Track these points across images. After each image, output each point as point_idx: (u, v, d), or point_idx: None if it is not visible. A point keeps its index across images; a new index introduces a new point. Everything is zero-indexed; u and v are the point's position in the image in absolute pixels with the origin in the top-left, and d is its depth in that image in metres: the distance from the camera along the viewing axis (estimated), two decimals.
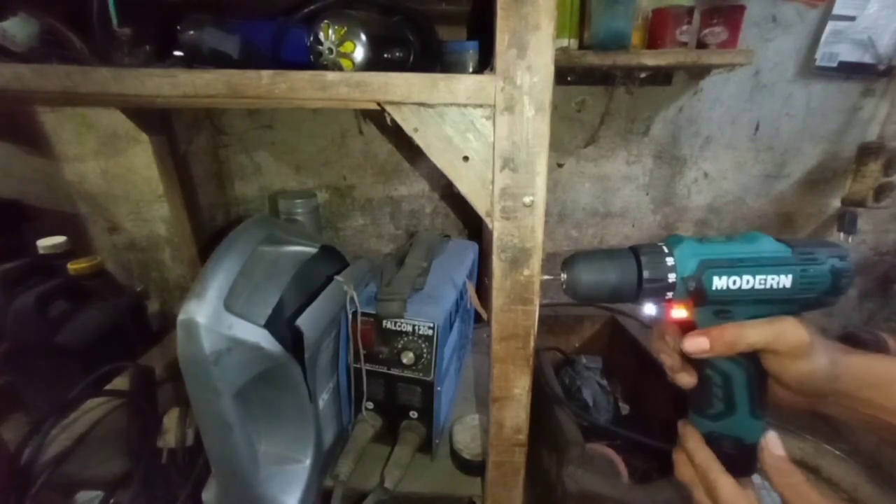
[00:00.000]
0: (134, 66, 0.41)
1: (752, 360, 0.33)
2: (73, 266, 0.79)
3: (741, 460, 0.35)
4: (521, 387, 0.46)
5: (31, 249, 0.82)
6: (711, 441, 0.35)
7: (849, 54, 0.93)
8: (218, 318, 0.42)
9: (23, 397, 0.71)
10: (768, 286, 0.32)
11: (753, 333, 0.32)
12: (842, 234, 1.04)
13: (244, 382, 0.46)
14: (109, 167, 0.98)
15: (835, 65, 0.94)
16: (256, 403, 0.52)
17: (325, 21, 0.46)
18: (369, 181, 1.04)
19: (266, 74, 0.38)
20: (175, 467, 0.60)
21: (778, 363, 0.32)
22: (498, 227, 0.40)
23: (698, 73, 0.94)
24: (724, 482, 0.32)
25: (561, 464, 0.57)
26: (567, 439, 0.58)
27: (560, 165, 1.04)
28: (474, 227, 1.07)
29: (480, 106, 0.38)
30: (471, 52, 0.64)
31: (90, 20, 0.44)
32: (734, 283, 0.32)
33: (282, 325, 0.50)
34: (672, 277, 0.33)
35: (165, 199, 0.88)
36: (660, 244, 0.35)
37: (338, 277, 0.61)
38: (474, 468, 0.61)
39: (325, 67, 0.47)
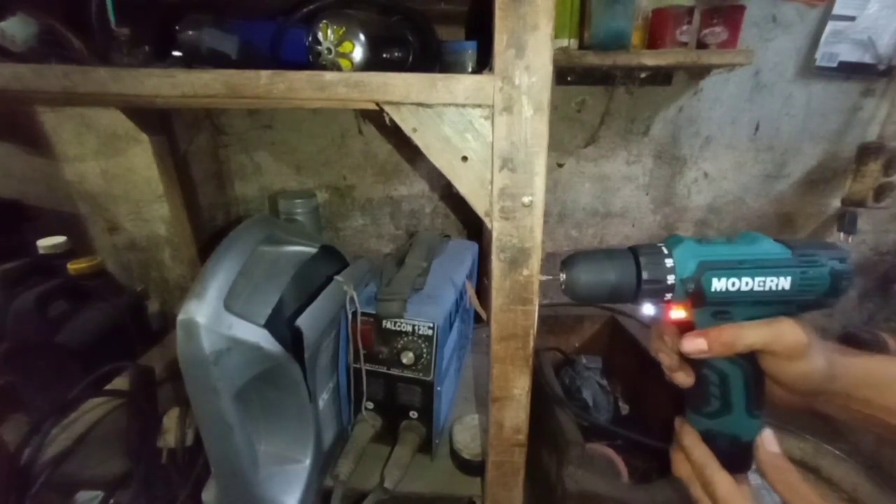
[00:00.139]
0: (133, 66, 0.41)
1: (750, 361, 0.33)
2: (73, 266, 0.79)
3: (737, 457, 0.35)
4: (520, 387, 0.46)
5: (31, 249, 0.82)
6: (708, 438, 0.35)
7: (849, 54, 0.93)
8: (218, 318, 0.42)
9: (23, 397, 0.71)
10: (767, 288, 0.32)
11: (751, 335, 0.32)
12: (842, 234, 1.04)
13: (244, 382, 0.46)
14: (109, 167, 0.98)
15: (835, 65, 0.94)
16: (256, 403, 0.52)
17: (324, 21, 0.46)
18: (369, 181, 1.05)
19: (265, 74, 0.38)
20: (175, 467, 0.60)
21: (776, 364, 0.32)
22: (497, 228, 0.40)
23: (698, 73, 0.94)
24: (721, 479, 0.33)
25: (561, 464, 0.57)
26: (567, 439, 0.58)
27: (560, 165, 1.04)
28: (474, 227, 1.07)
29: (479, 106, 0.38)
30: (469, 52, 0.64)
31: (89, 20, 0.44)
32: (733, 284, 0.32)
33: (282, 325, 0.50)
34: (671, 279, 0.33)
35: (165, 199, 0.88)
36: (659, 245, 0.35)
37: (338, 277, 0.61)
38: (474, 468, 0.61)
39: (324, 67, 0.47)
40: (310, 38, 0.47)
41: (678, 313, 0.35)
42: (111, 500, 0.58)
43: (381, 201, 1.07)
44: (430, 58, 0.60)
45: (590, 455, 0.60)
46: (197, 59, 0.46)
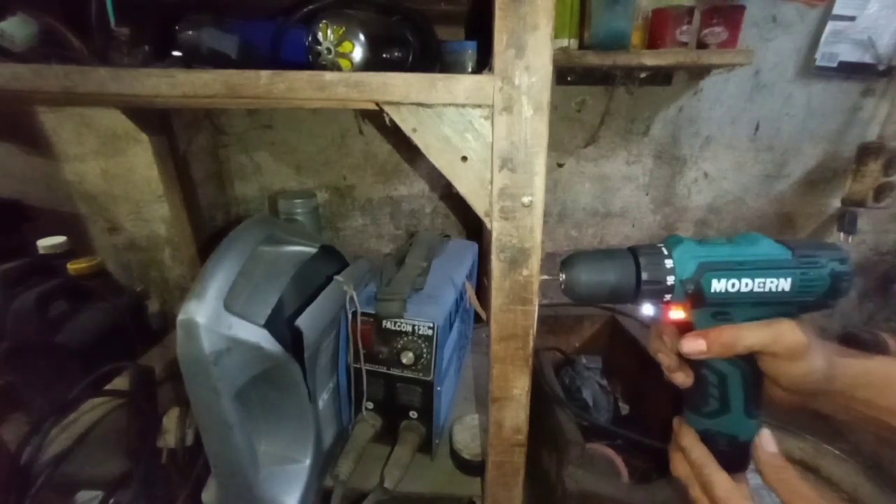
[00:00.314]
0: (132, 66, 0.41)
1: (749, 361, 0.33)
2: (73, 266, 0.79)
3: (736, 457, 0.35)
4: (520, 387, 0.46)
5: (31, 249, 0.82)
6: (707, 438, 0.35)
7: (849, 54, 0.93)
8: (218, 318, 0.42)
9: (23, 397, 0.71)
10: (767, 289, 0.32)
11: (751, 336, 0.32)
12: (842, 234, 1.04)
13: (244, 382, 0.46)
14: (109, 167, 0.98)
15: (835, 65, 0.94)
16: (256, 403, 0.52)
17: (324, 21, 0.46)
18: (369, 181, 1.05)
19: (264, 74, 0.38)
20: (175, 467, 0.60)
21: (775, 365, 0.32)
22: (497, 228, 0.40)
23: (698, 73, 0.94)
24: (719, 478, 0.33)
25: (561, 464, 0.57)
26: (567, 439, 0.58)
27: (560, 165, 1.04)
28: (474, 227, 1.07)
29: (479, 106, 0.38)
30: (469, 52, 0.64)
31: (89, 20, 0.44)
32: (733, 286, 0.32)
33: (281, 325, 0.50)
34: (671, 279, 0.33)
35: (165, 199, 0.88)
36: (659, 245, 0.35)
37: (338, 277, 0.61)
38: (474, 468, 0.61)
39: (324, 67, 0.47)
40: (310, 38, 0.47)
41: (678, 314, 0.35)
42: (111, 500, 0.58)
43: (381, 201, 1.07)
44: (430, 58, 0.60)
45: (590, 455, 0.60)
46: (197, 59, 0.46)
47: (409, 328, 0.59)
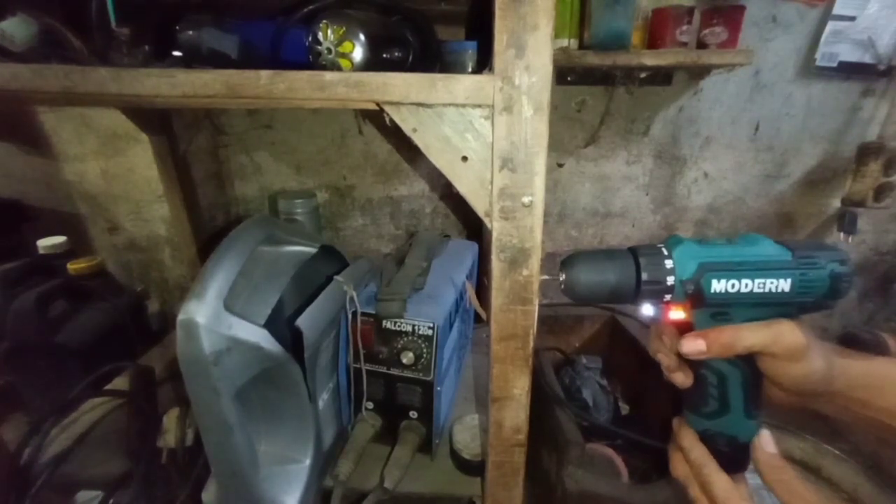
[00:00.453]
0: (132, 66, 0.41)
1: (748, 362, 0.33)
2: (73, 266, 0.79)
3: (735, 458, 0.35)
4: (520, 387, 0.46)
5: (31, 249, 0.82)
6: (706, 439, 0.35)
7: (849, 54, 0.93)
8: (218, 318, 0.42)
9: (23, 397, 0.71)
10: (767, 290, 0.32)
11: (750, 336, 0.32)
12: (842, 234, 1.04)
13: (244, 382, 0.46)
14: (109, 167, 0.98)
15: (835, 65, 0.94)
16: (256, 403, 0.52)
17: (324, 21, 0.46)
18: (369, 181, 1.05)
19: (265, 74, 0.38)
20: (175, 467, 0.60)
21: (774, 365, 0.32)
22: (497, 228, 0.40)
23: (698, 73, 0.94)
24: (719, 479, 0.33)
25: (561, 464, 0.57)
26: (567, 439, 0.58)
27: (560, 165, 1.04)
28: (474, 227, 1.07)
29: (479, 106, 0.38)
30: (470, 52, 0.64)
31: (89, 20, 0.44)
32: (733, 286, 0.32)
33: (282, 325, 0.50)
34: (671, 280, 0.33)
35: (165, 199, 0.88)
36: (659, 245, 0.34)
37: (338, 277, 0.61)
38: (474, 468, 0.61)
39: (324, 67, 0.47)
40: (310, 38, 0.47)
41: (677, 314, 0.35)
42: (111, 500, 0.58)
43: (381, 201, 1.07)
44: (430, 58, 0.60)
45: (590, 455, 0.60)
46: (197, 59, 0.46)
47: (409, 328, 0.59)
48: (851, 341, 0.82)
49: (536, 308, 0.43)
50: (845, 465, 0.63)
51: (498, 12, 0.34)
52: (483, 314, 0.47)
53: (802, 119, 1.00)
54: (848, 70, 0.94)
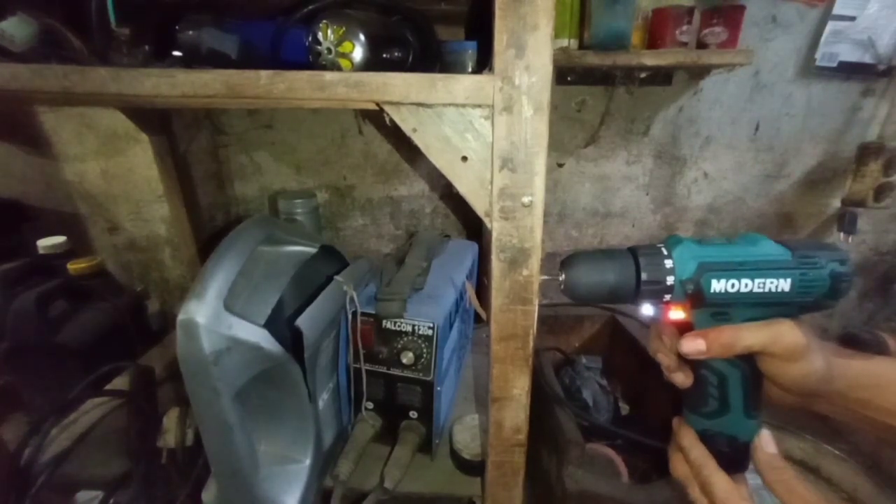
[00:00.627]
0: (132, 66, 0.41)
1: (748, 361, 0.33)
2: (73, 266, 0.79)
3: (735, 458, 0.35)
4: (520, 387, 0.46)
5: (31, 249, 0.82)
6: (706, 438, 0.35)
7: (849, 54, 0.93)
8: (218, 318, 0.42)
9: (23, 397, 0.71)
10: (767, 290, 0.32)
11: (750, 336, 0.32)
12: (842, 234, 1.04)
13: (244, 382, 0.46)
14: (109, 167, 0.98)
15: (835, 65, 0.94)
16: (256, 403, 0.52)
17: (324, 21, 0.46)
18: (369, 181, 1.05)
19: (264, 74, 0.38)
20: (175, 467, 0.60)
21: (774, 365, 0.32)
22: (497, 228, 0.40)
23: (698, 73, 0.94)
24: (719, 479, 0.33)
25: (561, 464, 0.57)
26: (567, 439, 0.58)
27: (560, 165, 1.04)
28: (474, 227, 1.07)
29: (479, 106, 0.38)
30: (470, 52, 0.64)
31: (89, 20, 0.44)
32: (733, 286, 0.32)
33: (282, 325, 0.50)
34: (670, 280, 0.33)
35: (165, 199, 0.88)
36: (659, 245, 0.34)
37: (338, 277, 0.61)
38: (474, 468, 0.61)
39: (324, 67, 0.47)
40: (310, 38, 0.47)
41: (677, 314, 0.35)
42: (111, 500, 0.58)
43: (381, 201, 1.07)
44: (430, 58, 0.60)
45: (590, 455, 0.60)
46: (197, 59, 0.46)
47: (409, 328, 0.59)
48: (851, 341, 0.82)
49: (536, 308, 0.43)
50: (845, 465, 0.63)
51: (498, 12, 0.34)
52: (483, 314, 0.47)
53: (802, 119, 1.00)
54: (848, 70, 0.94)
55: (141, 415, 0.66)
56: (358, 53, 0.46)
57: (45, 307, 0.71)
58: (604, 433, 0.68)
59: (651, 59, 0.81)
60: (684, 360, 0.36)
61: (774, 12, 0.92)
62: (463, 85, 0.37)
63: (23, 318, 0.69)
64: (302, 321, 0.51)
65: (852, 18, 0.91)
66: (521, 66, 0.36)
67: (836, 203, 1.05)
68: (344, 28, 0.46)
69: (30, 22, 0.42)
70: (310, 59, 0.48)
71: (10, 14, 0.42)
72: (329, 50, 0.46)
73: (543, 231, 0.40)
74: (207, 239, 0.92)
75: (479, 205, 0.40)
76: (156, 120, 0.81)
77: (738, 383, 0.34)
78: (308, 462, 0.55)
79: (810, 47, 0.94)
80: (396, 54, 0.53)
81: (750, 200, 1.08)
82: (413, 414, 0.63)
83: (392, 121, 0.39)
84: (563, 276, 0.35)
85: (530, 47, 0.35)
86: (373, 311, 0.60)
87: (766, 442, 0.34)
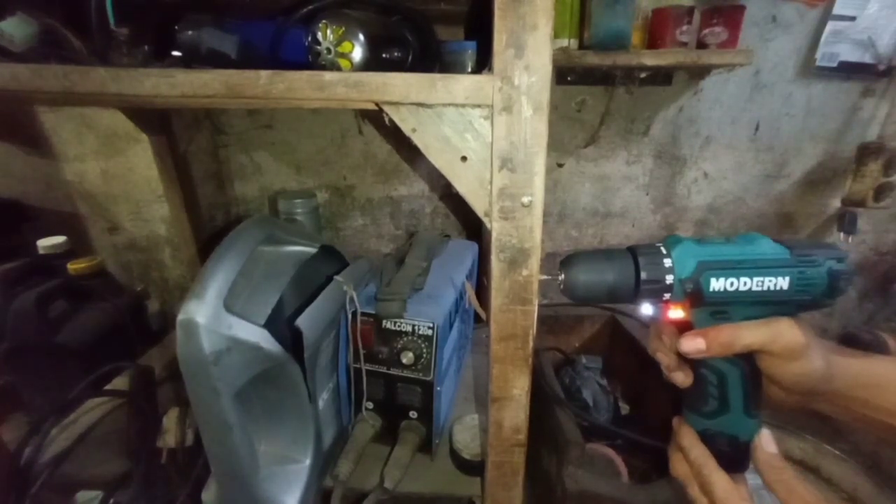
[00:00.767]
0: (132, 66, 0.41)
1: (748, 360, 0.33)
2: (73, 266, 0.79)
3: (735, 457, 0.35)
4: (520, 387, 0.46)
5: (31, 249, 0.82)
6: (706, 438, 0.35)
7: (849, 54, 0.93)
8: (217, 318, 0.42)
9: (23, 397, 0.71)
10: (766, 288, 0.32)
11: (749, 335, 0.32)
12: (842, 234, 1.04)
13: (244, 382, 0.46)
14: (109, 167, 0.98)
15: (835, 65, 0.94)
16: (256, 403, 0.52)
17: (324, 21, 0.46)
18: (369, 181, 1.05)
19: (264, 74, 0.38)
20: (175, 467, 0.60)
21: (773, 364, 0.32)
22: (496, 228, 0.40)
23: (698, 73, 0.94)
24: (719, 479, 0.33)
25: (561, 464, 0.57)
26: (567, 439, 0.58)
27: (560, 165, 1.04)
28: (474, 227, 1.07)
29: (478, 106, 0.38)
30: (469, 52, 0.64)
31: (88, 20, 0.44)
32: (732, 284, 0.32)
33: (281, 325, 0.50)
34: (670, 279, 0.33)
35: (165, 199, 0.88)
36: (658, 245, 0.35)
37: (337, 277, 0.61)
38: (474, 468, 0.61)
39: (324, 67, 0.47)
40: (309, 38, 0.47)
41: (677, 313, 0.35)
42: (111, 500, 0.58)
43: (381, 201, 1.07)
44: (430, 58, 0.60)
45: (590, 455, 0.60)
46: (196, 59, 0.46)
47: (409, 328, 0.59)
48: (851, 341, 0.82)
49: (536, 308, 0.43)
50: (845, 465, 0.63)
51: (497, 12, 0.34)
52: (483, 314, 0.47)
53: (802, 119, 1.00)
54: (848, 70, 0.94)
55: (141, 415, 0.66)
56: (357, 53, 0.46)
57: (45, 307, 0.71)
58: (604, 433, 0.68)
59: (651, 59, 0.81)
60: (684, 360, 0.36)
61: (774, 12, 0.92)
62: (462, 85, 0.37)
63: (23, 318, 0.69)
64: (302, 321, 0.51)
65: (852, 18, 0.91)
66: (520, 66, 0.36)
67: (836, 203, 1.05)
68: (343, 28, 0.46)
69: (30, 22, 0.42)
70: (309, 59, 0.48)
71: (9, 14, 0.42)
72: (328, 50, 0.46)
73: (543, 231, 0.40)
74: (207, 239, 0.92)
75: (478, 205, 0.40)
76: (156, 120, 0.81)
77: (737, 382, 0.34)
78: (308, 462, 0.55)
79: (810, 47, 0.94)
80: (396, 54, 0.53)
81: (750, 200, 1.08)
82: (413, 414, 0.63)
83: (392, 121, 0.39)
84: (563, 275, 0.35)
85: (530, 47, 0.35)
86: (373, 311, 0.60)
87: (766, 441, 0.34)
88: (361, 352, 0.60)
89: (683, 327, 0.35)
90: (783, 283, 0.32)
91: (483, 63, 0.55)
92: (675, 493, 0.52)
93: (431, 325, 0.58)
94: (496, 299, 0.42)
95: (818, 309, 0.34)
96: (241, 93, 0.38)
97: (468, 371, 0.84)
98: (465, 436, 0.64)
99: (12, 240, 0.87)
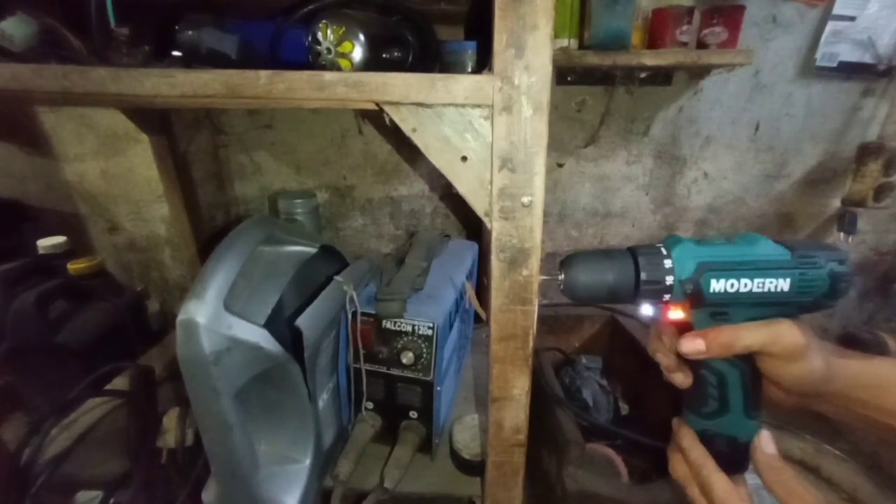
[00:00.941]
0: (132, 66, 0.41)
1: (748, 361, 0.33)
2: (73, 266, 0.79)
3: (735, 458, 0.35)
4: (520, 387, 0.46)
5: (31, 249, 0.82)
6: (705, 439, 0.35)
7: (849, 54, 0.93)
8: (217, 318, 0.42)
9: (23, 397, 0.71)
10: (766, 290, 0.32)
11: (749, 336, 0.32)
12: (842, 234, 1.04)
13: (244, 382, 0.46)
14: (109, 167, 0.98)
15: (835, 65, 0.94)
16: (256, 403, 0.52)
17: (324, 21, 0.46)
18: (369, 181, 1.05)
19: (264, 74, 0.38)
20: (175, 467, 0.60)
21: (773, 365, 0.32)
22: (496, 228, 0.40)
23: (698, 73, 0.94)
24: (718, 480, 0.33)
25: (561, 464, 0.57)
26: (567, 439, 0.58)
27: (560, 165, 1.04)
28: (474, 227, 1.07)
29: (478, 106, 0.38)
30: (469, 52, 0.64)
31: (88, 20, 0.44)
32: (732, 286, 0.32)
33: (281, 325, 0.50)
34: (670, 280, 0.33)
35: (165, 199, 0.88)
36: (658, 245, 0.34)
37: (338, 277, 0.61)
38: (474, 468, 0.61)
39: (324, 67, 0.47)
40: (309, 38, 0.47)
41: (676, 314, 0.35)
42: (111, 500, 0.58)
43: (381, 201, 1.07)
44: (430, 58, 0.60)
45: (590, 455, 0.60)
46: (196, 59, 0.46)
47: (409, 328, 0.59)
48: (851, 341, 0.82)
49: (536, 308, 0.43)
50: (845, 465, 0.63)
51: (497, 12, 0.34)
52: (483, 314, 0.47)
53: (802, 119, 1.00)
54: (848, 70, 0.94)
55: (141, 415, 0.66)
56: (357, 53, 0.46)
57: (45, 307, 0.71)
58: (604, 433, 0.68)
59: (651, 59, 0.81)
60: (684, 361, 0.36)
61: (774, 12, 0.92)
62: (462, 85, 0.37)
63: (23, 318, 0.69)
64: (302, 321, 0.51)
65: (852, 18, 0.90)
66: (520, 66, 0.36)
67: (836, 203, 1.05)
68: (343, 28, 0.46)
69: (29, 22, 0.42)
70: (309, 59, 0.48)
71: (9, 14, 0.42)
72: (329, 50, 0.46)
73: (543, 231, 0.40)
74: (207, 239, 0.92)
75: (478, 205, 0.40)
76: (156, 120, 0.81)
77: (737, 383, 0.34)
78: (308, 462, 0.56)
79: (810, 47, 0.94)
80: (396, 54, 0.53)
81: (750, 200, 1.08)
82: (413, 414, 0.63)
83: (392, 121, 0.39)
84: (563, 276, 0.35)
85: (530, 47, 0.35)
86: (373, 311, 0.60)
87: (765, 442, 0.34)
88: (361, 352, 0.60)
89: (683, 328, 0.35)
90: (784, 284, 0.32)
91: (483, 63, 0.55)
92: (674, 494, 0.52)
93: (431, 325, 0.58)
94: (496, 299, 0.42)
95: (819, 310, 0.34)
96: (241, 93, 0.38)
97: (468, 371, 0.84)
98: (465, 436, 0.64)
99: (12, 240, 0.87)
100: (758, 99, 0.98)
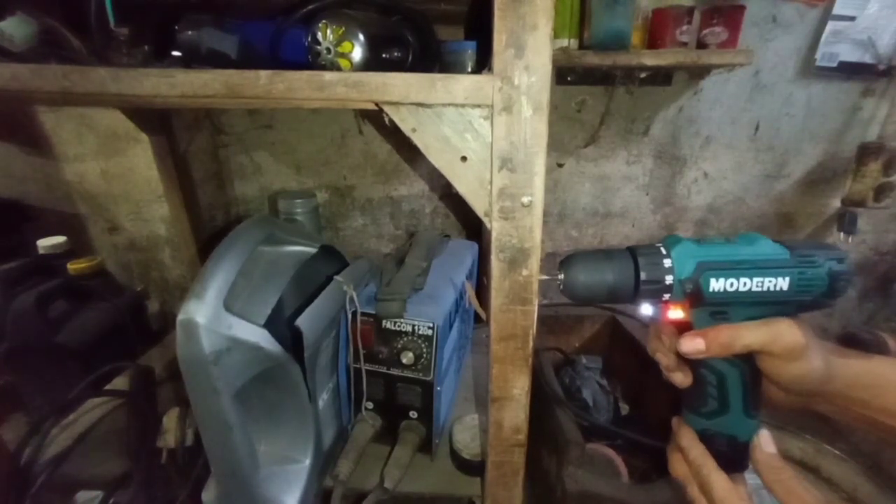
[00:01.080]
0: (132, 66, 0.41)
1: (747, 361, 0.33)
2: (73, 266, 0.79)
3: (734, 458, 0.35)
4: (520, 387, 0.46)
5: (31, 249, 0.82)
6: (705, 438, 0.35)
7: (849, 54, 0.93)
8: (217, 318, 0.42)
9: (23, 397, 0.72)
10: (765, 289, 0.32)
11: (749, 335, 0.32)
12: (842, 234, 1.04)
13: (244, 382, 0.46)
14: (109, 167, 0.98)
15: (835, 65, 0.94)
16: (256, 403, 0.52)
17: (324, 21, 0.46)
18: (369, 181, 1.05)
19: (264, 74, 0.38)
20: (175, 467, 0.60)
21: (773, 364, 0.32)
22: (496, 228, 0.40)
23: (698, 73, 0.94)
24: (718, 479, 0.33)
25: (561, 464, 0.57)
26: (567, 439, 0.58)
27: (560, 165, 1.04)
28: (474, 227, 1.07)
29: (478, 106, 0.38)
30: (469, 52, 0.64)
31: (88, 20, 0.44)
32: (731, 285, 0.32)
33: (281, 325, 0.50)
34: (669, 279, 0.33)
35: (165, 199, 0.88)
36: (658, 245, 0.35)
37: (337, 277, 0.61)
38: (474, 468, 0.61)
39: (324, 67, 0.47)
40: (309, 38, 0.47)
41: (676, 313, 0.35)
42: (111, 500, 0.58)
43: (381, 201, 1.07)
44: (430, 58, 0.60)
45: (590, 455, 0.60)
46: (196, 59, 0.46)
47: (409, 328, 0.59)
48: (851, 341, 0.82)
49: (536, 308, 0.43)
50: (845, 465, 0.63)
51: (497, 12, 0.34)
52: (483, 314, 0.47)
53: (802, 119, 1.00)
54: (848, 70, 0.94)
55: (141, 415, 0.66)
56: (357, 53, 0.46)
57: (45, 307, 0.71)
58: (604, 433, 0.68)
59: (651, 59, 0.81)
60: (683, 360, 0.36)
61: (774, 12, 0.92)
62: (462, 85, 0.37)
63: (23, 318, 0.69)
64: (302, 321, 0.51)
65: (852, 18, 0.90)
66: (520, 66, 0.36)
67: (836, 203, 1.05)
68: (343, 28, 0.46)
69: (29, 22, 0.42)
70: (309, 59, 0.48)
71: (9, 14, 0.42)
72: (328, 50, 0.46)
73: (543, 231, 0.40)
74: (207, 239, 0.92)
75: (478, 205, 0.40)
76: (156, 120, 0.81)
77: (737, 383, 0.34)
78: (308, 462, 0.56)
79: (810, 47, 0.94)
80: (396, 54, 0.53)
81: (750, 200, 1.08)
82: (413, 414, 0.63)
83: (392, 121, 0.39)
84: (562, 276, 0.35)
85: (530, 47, 0.35)
86: (373, 311, 0.60)
87: (765, 442, 0.34)
88: (361, 352, 0.60)
89: (683, 327, 0.35)
90: (783, 283, 0.32)
91: (483, 63, 0.55)
92: (674, 493, 0.52)
93: (431, 325, 0.58)
94: (496, 299, 0.42)
95: (818, 309, 0.34)
96: (241, 93, 0.38)
97: (468, 371, 0.84)
98: (465, 436, 0.64)
99: (12, 240, 0.87)
100: (758, 99, 0.98)
